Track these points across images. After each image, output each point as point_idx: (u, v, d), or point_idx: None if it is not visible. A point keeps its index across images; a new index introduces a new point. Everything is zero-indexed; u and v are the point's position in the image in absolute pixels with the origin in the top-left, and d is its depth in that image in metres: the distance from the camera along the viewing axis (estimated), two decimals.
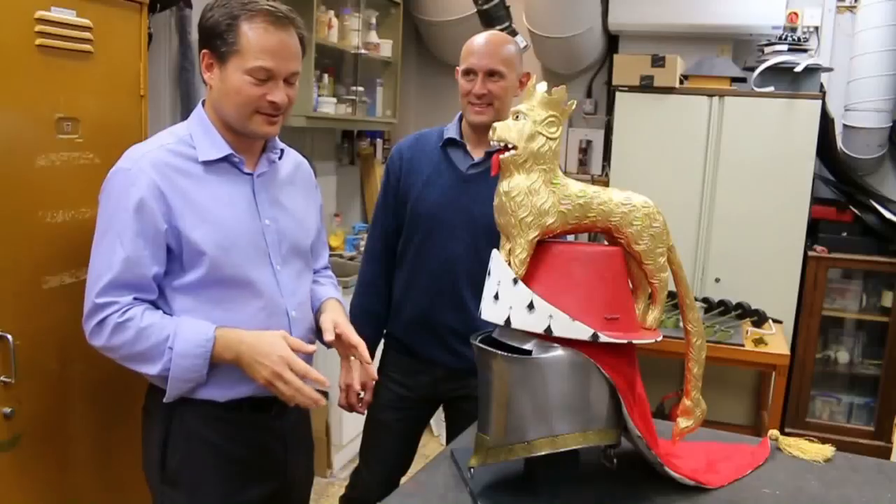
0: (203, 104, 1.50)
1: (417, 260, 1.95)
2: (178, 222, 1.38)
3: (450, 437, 2.03)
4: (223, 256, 1.41)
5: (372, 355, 2.08)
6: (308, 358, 1.48)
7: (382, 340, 2.11)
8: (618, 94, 3.59)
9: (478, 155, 1.93)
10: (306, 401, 1.39)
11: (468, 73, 1.88)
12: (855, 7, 3.71)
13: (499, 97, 1.86)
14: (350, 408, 2.07)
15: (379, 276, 2.04)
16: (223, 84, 1.41)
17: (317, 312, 1.64)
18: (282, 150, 1.58)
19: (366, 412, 2.08)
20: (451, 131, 1.95)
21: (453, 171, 1.93)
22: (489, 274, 1.31)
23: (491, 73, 1.86)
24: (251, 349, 1.38)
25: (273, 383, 1.37)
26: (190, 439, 1.46)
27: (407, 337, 2.00)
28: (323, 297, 1.68)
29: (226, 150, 1.45)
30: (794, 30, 3.73)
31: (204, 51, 1.42)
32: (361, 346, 1.56)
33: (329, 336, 1.55)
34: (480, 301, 1.31)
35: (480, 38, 1.90)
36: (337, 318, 1.59)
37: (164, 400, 1.41)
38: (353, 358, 1.64)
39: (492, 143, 1.28)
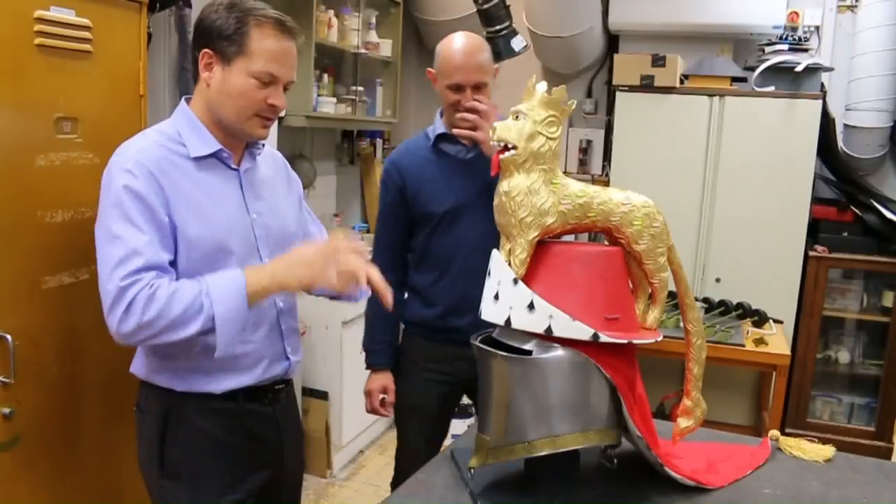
0: (187, 101, 1.51)
1: (445, 249, 2.00)
2: (175, 216, 1.39)
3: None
4: (217, 251, 1.43)
5: (391, 356, 2.13)
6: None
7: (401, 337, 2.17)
8: (618, 93, 3.58)
9: (468, 142, 1.99)
10: (361, 264, 1.38)
11: (455, 87, 1.93)
12: (855, 7, 3.70)
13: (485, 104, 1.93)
14: (375, 411, 2.14)
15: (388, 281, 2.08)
16: (225, 84, 1.43)
17: None
18: (262, 145, 1.60)
19: (389, 414, 2.14)
20: (439, 128, 2.02)
21: (453, 162, 2.00)
22: (489, 274, 1.30)
23: (477, 87, 1.92)
24: (285, 261, 1.40)
25: (314, 277, 1.37)
26: (188, 432, 1.48)
27: (444, 322, 2.01)
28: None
29: (215, 145, 1.47)
30: (794, 29, 3.73)
31: (205, 50, 1.43)
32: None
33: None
34: None
35: (459, 53, 1.92)
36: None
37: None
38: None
39: (492, 143, 1.28)
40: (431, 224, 2.00)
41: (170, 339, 1.35)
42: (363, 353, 2.15)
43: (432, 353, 2.05)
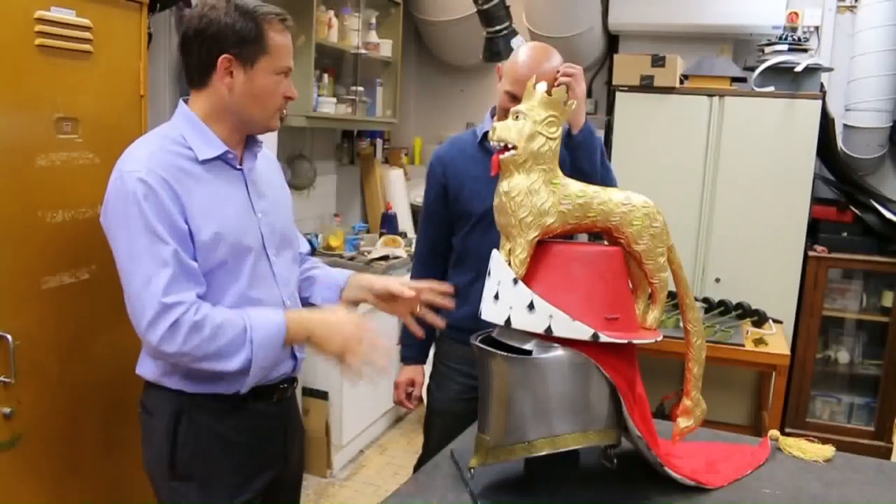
0: (187, 104, 1.49)
1: (483, 250, 1.96)
2: (191, 222, 1.39)
3: None
4: (230, 253, 1.43)
5: (426, 353, 2.16)
6: None
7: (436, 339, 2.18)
8: (618, 94, 3.58)
9: None
10: (374, 366, 1.43)
11: (511, 96, 1.88)
12: (855, 7, 3.71)
13: None
14: (400, 403, 2.15)
15: (428, 278, 2.10)
16: (251, 85, 1.43)
17: (344, 290, 1.68)
18: (261, 143, 1.60)
19: (414, 406, 2.17)
20: (487, 125, 1.99)
21: None
22: (489, 274, 1.31)
23: None
24: (323, 323, 1.45)
25: (345, 353, 1.42)
26: (199, 433, 1.47)
27: (477, 324, 2.00)
28: (340, 276, 1.72)
29: (221, 147, 1.46)
30: (794, 30, 3.74)
31: (224, 56, 1.40)
32: (425, 284, 1.66)
33: (410, 293, 1.62)
34: None
35: (525, 65, 1.86)
36: (389, 281, 1.67)
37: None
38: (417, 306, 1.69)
39: (492, 143, 1.28)
40: (470, 223, 1.99)
41: (204, 368, 1.39)
42: (398, 348, 2.18)
43: (465, 355, 2.01)
